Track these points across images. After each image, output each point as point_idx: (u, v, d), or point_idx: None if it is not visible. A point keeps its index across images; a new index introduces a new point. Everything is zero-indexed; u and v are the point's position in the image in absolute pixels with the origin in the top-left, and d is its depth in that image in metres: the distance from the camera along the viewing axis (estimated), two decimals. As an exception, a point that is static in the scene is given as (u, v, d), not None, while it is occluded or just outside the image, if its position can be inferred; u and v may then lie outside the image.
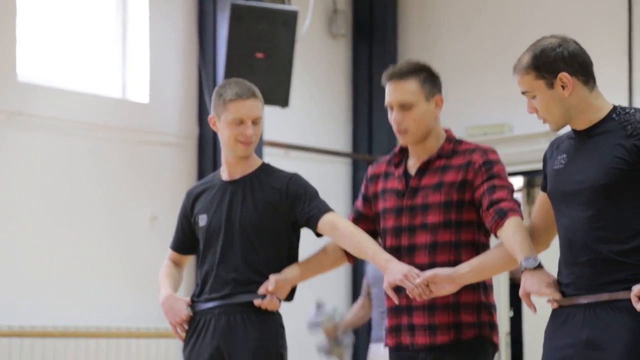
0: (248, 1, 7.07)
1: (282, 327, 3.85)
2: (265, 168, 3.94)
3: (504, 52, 8.24)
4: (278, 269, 3.83)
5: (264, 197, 3.85)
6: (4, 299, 6.54)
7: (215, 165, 7.33)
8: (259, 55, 7.02)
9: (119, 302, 7.04)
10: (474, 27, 8.48)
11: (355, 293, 8.32)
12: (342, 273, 8.33)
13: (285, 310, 3.92)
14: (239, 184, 3.91)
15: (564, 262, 3.21)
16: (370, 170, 3.82)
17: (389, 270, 3.51)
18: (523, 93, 3.21)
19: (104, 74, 7.35)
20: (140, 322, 7.04)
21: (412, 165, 3.67)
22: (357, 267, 7.67)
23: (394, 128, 3.62)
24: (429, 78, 3.62)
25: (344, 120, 8.67)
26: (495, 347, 3.62)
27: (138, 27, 7.43)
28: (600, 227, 3.09)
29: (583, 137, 3.20)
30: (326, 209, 3.80)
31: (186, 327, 3.92)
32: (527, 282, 3.19)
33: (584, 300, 3.11)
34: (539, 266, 3.22)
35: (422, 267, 3.52)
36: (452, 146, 3.63)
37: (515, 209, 3.43)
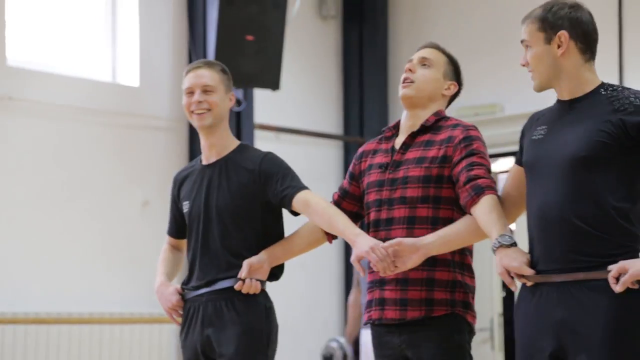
0: (238, -17, 7.04)
1: (268, 308, 3.84)
2: (240, 149, 3.93)
3: (495, 32, 8.23)
4: (258, 251, 3.82)
5: (238, 179, 3.84)
6: (-4, 285, 6.54)
7: (207, 148, 7.32)
8: (249, 37, 7.00)
9: (111, 287, 7.02)
10: (465, 7, 8.46)
11: (347, 276, 8.33)
12: (334, 255, 8.34)
13: (277, 291, 3.91)
14: (214, 167, 3.90)
15: (536, 236, 3.17)
16: (360, 148, 3.82)
17: (357, 243, 3.49)
18: (522, 41, 3.23)
19: (94, 57, 7.32)
20: (132, 308, 7.04)
21: (400, 140, 3.67)
22: (349, 251, 7.67)
23: (404, 77, 3.67)
24: (453, 63, 3.77)
25: (335, 102, 8.65)
26: (471, 328, 3.56)
27: (128, 10, 7.39)
28: (577, 199, 3.07)
29: (566, 108, 3.19)
30: (299, 187, 3.78)
31: (180, 312, 3.92)
32: (505, 260, 3.17)
33: (558, 278, 3.09)
34: (514, 244, 3.20)
35: None
36: (437, 120, 3.63)
37: (492, 186, 3.41)
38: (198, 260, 3.87)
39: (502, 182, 3.65)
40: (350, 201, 3.77)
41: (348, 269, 8.30)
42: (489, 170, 3.50)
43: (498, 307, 8.42)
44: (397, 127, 3.72)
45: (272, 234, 3.88)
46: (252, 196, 3.82)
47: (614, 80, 7.34)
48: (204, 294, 3.84)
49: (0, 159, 6.65)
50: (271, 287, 3.91)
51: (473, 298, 3.59)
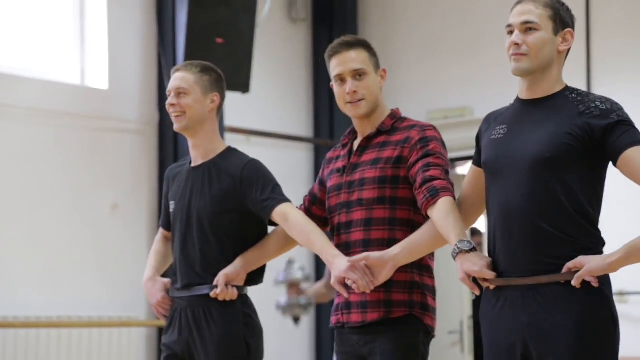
0: (207, -14, 7.02)
1: (246, 315, 3.83)
2: (226, 154, 3.91)
3: (465, 35, 8.26)
4: (235, 257, 3.81)
5: (220, 185, 3.83)
6: (-37, 289, 6.48)
7: (177, 151, 7.30)
8: (219, 40, 6.99)
9: (80, 291, 6.98)
10: (434, 10, 8.49)
11: (319, 274, 8.33)
12: (304, 256, 8.33)
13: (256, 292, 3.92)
14: (199, 171, 3.89)
15: (498, 238, 3.16)
16: (328, 154, 3.83)
17: (334, 265, 3.48)
18: (525, 23, 3.13)
19: (62, 60, 7.28)
20: (101, 311, 7.00)
21: (357, 143, 3.67)
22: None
23: (346, 100, 3.58)
24: (372, 50, 3.64)
25: (305, 105, 8.65)
26: (427, 330, 3.55)
27: (96, 13, 7.36)
28: (541, 201, 3.06)
29: (529, 107, 3.18)
30: (279, 199, 3.76)
31: (167, 308, 3.91)
32: (466, 265, 3.15)
33: (522, 282, 3.08)
34: (473, 249, 3.19)
35: (356, 244, 3.52)
36: (394, 122, 3.62)
37: (449, 188, 3.39)
38: (178, 262, 3.88)
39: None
40: (319, 207, 3.78)
41: (319, 270, 8.29)
42: (446, 171, 3.48)
43: (467, 310, 8.46)
44: (352, 132, 3.71)
45: (252, 241, 3.86)
46: (233, 203, 3.81)
47: (582, 86, 7.40)
48: (184, 297, 3.84)
49: (-33, 162, 6.61)
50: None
51: (434, 299, 3.59)
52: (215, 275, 3.78)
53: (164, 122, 7.43)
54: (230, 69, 6.92)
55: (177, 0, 7.31)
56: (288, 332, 8.10)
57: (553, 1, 3.19)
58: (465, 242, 3.18)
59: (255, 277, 3.88)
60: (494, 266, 3.16)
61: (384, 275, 3.43)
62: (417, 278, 3.54)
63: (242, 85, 7.15)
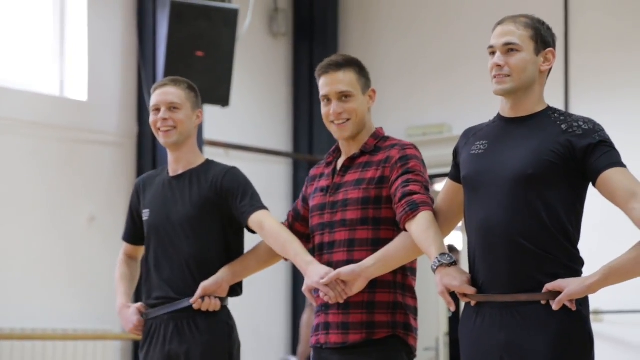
0: (188, -1, 7.02)
1: (230, 326, 3.85)
2: (206, 164, 3.95)
3: (444, 52, 8.30)
4: (217, 267, 3.83)
5: (200, 194, 3.86)
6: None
7: (155, 164, 7.28)
8: (199, 53, 6.99)
9: (57, 303, 6.94)
10: (415, 27, 8.52)
11: (295, 293, 8.31)
12: (282, 272, 8.32)
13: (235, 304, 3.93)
14: (179, 180, 3.92)
15: (478, 254, 3.16)
16: (311, 171, 3.84)
17: (308, 272, 3.51)
18: (506, 44, 3.16)
19: (41, 71, 7.26)
20: (77, 324, 6.96)
21: (340, 162, 3.68)
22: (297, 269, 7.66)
23: (330, 120, 3.61)
24: (363, 70, 3.67)
25: (285, 119, 8.66)
26: (410, 350, 3.55)
27: (76, 24, 7.34)
28: (522, 217, 3.07)
29: (512, 126, 3.19)
30: (256, 206, 3.80)
31: (142, 329, 3.93)
32: (446, 279, 3.16)
33: (501, 298, 3.08)
34: (454, 263, 3.19)
35: (339, 265, 3.51)
36: (376, 142, 3.63)
37: (428, 202, 3.40)
38: (157, 273, 3.88)
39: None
40: (302, 223, 3.79)
41: (296, 286, 8.29)
42: (426, 188, 3.49)
43: (444, 327, 8.45)
44: (336, 150, 3.73)
45: (233, 249, 3.89)
46: (213, 209, 3.84)
47: (560, 105, 7.44)
48: (165, 313, 3.84)
49: (-56, 172, 6.56)
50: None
51: (415, 319, 3.60)
52: (196, 284, 3.80)
53: (143, 134, 7.41)
54: (210, 82, 6.92)
55: (158, 13, 7.32)
56: (264, 346, 8.08)
57: (534, 21, 3.21)
58: (446, 256, 3.19)
59: (237, 287, 3.91)
60: (473, 282, 3.17)
61: (356, 287, 3.44)
62: (400, 299, 3.55)
63: (222, 98, 7.15)
